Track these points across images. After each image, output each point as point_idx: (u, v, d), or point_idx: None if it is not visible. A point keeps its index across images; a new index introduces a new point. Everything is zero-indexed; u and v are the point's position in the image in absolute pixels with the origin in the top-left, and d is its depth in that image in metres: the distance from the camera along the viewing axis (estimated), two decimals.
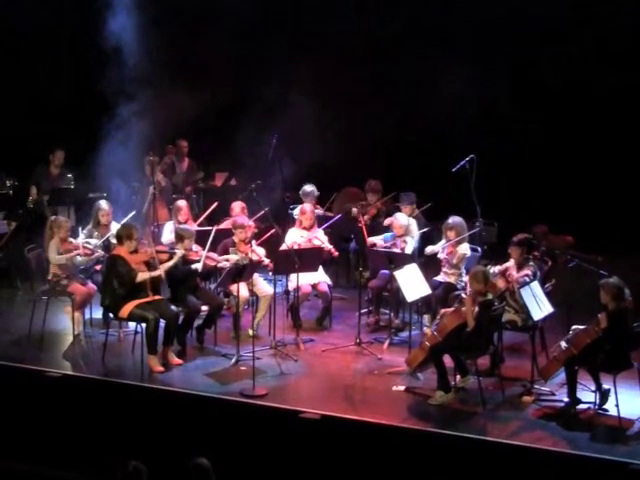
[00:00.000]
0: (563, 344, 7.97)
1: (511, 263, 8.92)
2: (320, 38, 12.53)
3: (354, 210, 11.40)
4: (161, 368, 8.69)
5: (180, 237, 9.30)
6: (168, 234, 10.45)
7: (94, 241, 9.76)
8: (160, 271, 8.89)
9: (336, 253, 10.32)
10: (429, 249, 9.96)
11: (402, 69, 13.00)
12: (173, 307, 8.95)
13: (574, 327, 8.09)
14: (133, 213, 10.33)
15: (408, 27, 12.98)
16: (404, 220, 10.11)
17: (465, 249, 9.73)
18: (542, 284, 8.69)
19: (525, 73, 12.85)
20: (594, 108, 12.53)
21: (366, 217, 11.11)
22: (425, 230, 10.39)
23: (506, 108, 12.57)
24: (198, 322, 9.39)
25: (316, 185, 11.41)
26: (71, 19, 13.02)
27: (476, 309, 8.04)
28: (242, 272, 8.83)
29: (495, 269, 8.85)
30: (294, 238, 10.08)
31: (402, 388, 8.39)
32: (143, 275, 8.80)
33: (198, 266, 9.20)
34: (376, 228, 10.63)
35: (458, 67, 12.80)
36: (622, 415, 7.64)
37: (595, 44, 12.42)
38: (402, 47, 13.06)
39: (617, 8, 12.15)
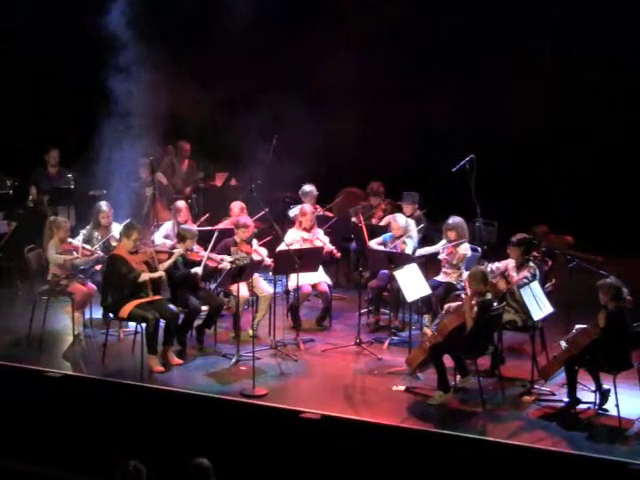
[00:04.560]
0: (563, 344, 7.98)
1: (511, 263, 8.92)
2: (321, 39, 12.55)
3: (355, 210, 11.40)
4: (161, 368, 8.69)
5: (182, 237, 9.29)
6: (160, 238, 10.31)
7: (90, 247, 9.74)
8: (161, 272, 8.90)
9: (339, 254, 10.33)
10: (419, 252, 9.95)
11: (404, 69, 13.02)
12: (173, 307, 8.95)
13: (577, 326, 8.08)
14: (130, 217, 10.29)
15: (410, 29, 13.01)
16: (402, 221, 10.09)
17: (465, 249, 9.73)
18: (542, 284, 8.69)
19: (526, 73, 12.84)
20: (594, 108, 12.53)
21: (374, 220, 11.12)
22: (422, 227, 10.36)
23: (507, 108, 12.58)
24: (198, 322, 9.39)
25: (316, 185, 11.40)
26: (68, 14, 13.00)
27: (475, 309, 8.03)
28: (242, 272, 8.83)
29: (493, 266, 8.85)
30: (294, 239, 10.07)
31: (402, 388, 8.39)
32: (144, 276, 8.81)
33: (198, 270, 9.20)
34: (382, 230, 10.58)
35: (460, 67, 12.86)
36: (622, 415, 7.63)
37: (591, 47, 12.46)
38: (403, 46, 13.08)
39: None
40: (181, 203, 10.71)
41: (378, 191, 11.50)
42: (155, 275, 8.88)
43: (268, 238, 10.07)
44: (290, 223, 10.83)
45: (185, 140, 13.13)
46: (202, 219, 10.86)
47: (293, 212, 11.14)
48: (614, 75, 12.51)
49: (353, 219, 11.13)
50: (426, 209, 10.95)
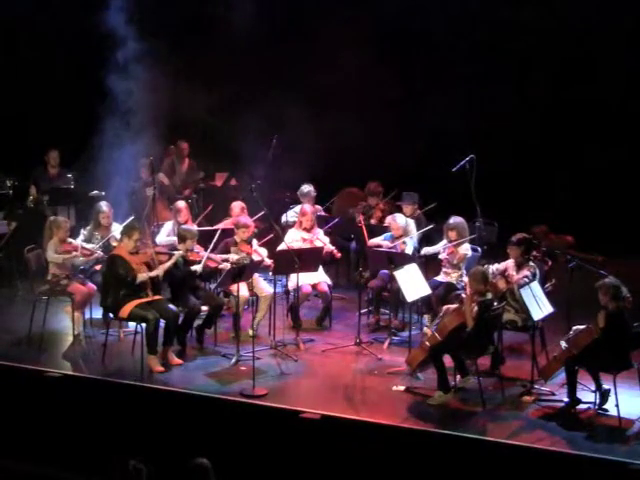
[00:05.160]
0: (563, 344, 7.98)
1: (510, 263, 8.93)
2: (322, 39, 12.56)
3: (354, 211, 11.38)
4: (161, 368, 8.69)
5: (183, 237, 9.30)
6: (164, 236, 10.41)
7: (91, 246, 9.74)
8: (158, 271, 8.90)
9: (339, 255, 10.32)
10: (425, 250, 9.96)
11: (403, 69, 13.02)
12: (173, 307, 8.95)
13: (575, 327, 8.09)
14: (132, 218, 10.30)
15: (410, 29, 13.03)
16: (402, 221, 10.08)
17: (466, 249, 9.73)
18: (542, 284, 8.70)
19: (526, 73, 12.85)
20: (594, 107, 12.53)
21: (373, 220, 11.11)
22: (425, 230, 10.35)
23: (507, 108, 12.58)
24: (198, 322, 9.39)
25: (316, 185, 11.39)
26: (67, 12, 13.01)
27: (475, 309, 8.04)
28: (242, 272, 8.84)
29: (494, 267, 8.85)
30: (294, 239, 10.07)
31: (402, 388, 8.39)
32: (142, 276, 8.81)
33: (198, 267, 9.21)
34: (382, 230, 10.57)
35: (459, 67, 12.86)
36: (622, 415, 7.64)
37: (591, 50, 12.47)
38: (402, 47, 13.09)
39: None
40: (181, 203, 10.72)
41: (376, 191, 11.50)
42: (152, 274, 8.87)
43: (268, 237, 10.06)
44: (286, 227, 10.75)
45: (183, 140, 13.12)
46: (204, 213, 10.87)
47: (288, 217, 11.12)
48: (614, 75, 12.50)
49: (358, 218, 11.09)
50: (435, 204, 10.91)
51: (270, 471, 7.52)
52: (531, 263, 8.87)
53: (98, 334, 9.56)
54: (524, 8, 12.56)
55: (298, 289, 9.63)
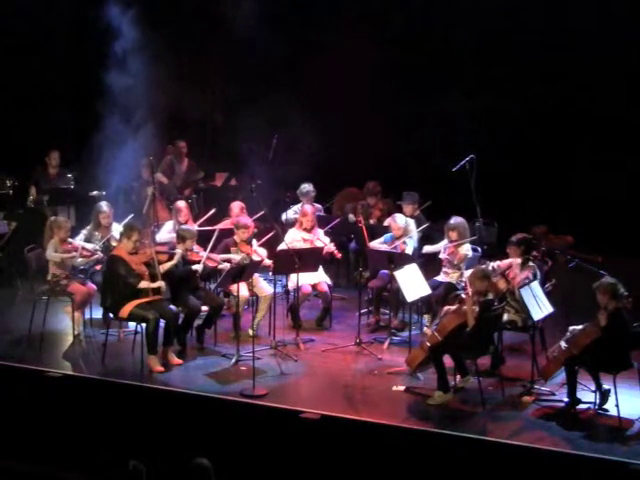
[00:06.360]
0: (563, 344, 7.97)
1: (515, 262, 8.90)
2: (323, 39, 12.56)
3: (351, 216, 11.37)
4: (161, 368, 8.69)
5: (182, 237, 9.29)
6: (165, 233, 10.43)
7: (91, 246, 9.74)
8: (161, 282, 8.88)
9: (339, 255, 10.32)
10: (427, 248, 9.96)
11: (403, 69, 13.02)
12: (173, 307, 8.95)
13: (571, 328, 8.09)
14: (131, 216, 10.30)
15: (409, 30, 13.04)
16: (402, 221, 10.08)
17: (467, 250, 9.73)
18: (542, 284, 8.70)
19: (526, 73, 12.85)
20: (594, 108, 12.53)
21: (372, 220, 11.11)
22: (424, 227, 10.34)
23: (507, 108, 12.58)
24: (198, 322, 9.39)
25: (316, 185, 11.39)
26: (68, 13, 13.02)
27: (476, 309, 8.03)
28: (242, 272, 8.84)
29: (495, 264, 8.84)
30: (295, 239, 10.07)
31: (402, 388, 8.39)
32: (143, 284, 8.79)
33: (198, 267, 9.21)
34: (381, 229, 10.58)
35: (459, 67, 12.86)
36: (622, 415, 7.64)
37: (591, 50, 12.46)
38: (401, 47, 13.10)
39: None
40: (181, 203, 10.72)
41: (374, 191, 11.49)
42: (154, 285, 8.86)
43: (269, 235, 10.05)
44: (286, 226, 10.75)
45: (182, 139, 13.12)
46: (206, 216, 10.88)
47: (288, 215, 11.12)
48: (614, 75, 12.50)
49: (351, 216, 11.10)
50: (430, 202, 10.92)
51: (270, 471, 7.52)
52: (531, 263, 8.87)
53: (98, 334, 9.56)
54: (524, 9, 12.58)
55: (298, 289, 9.64)
